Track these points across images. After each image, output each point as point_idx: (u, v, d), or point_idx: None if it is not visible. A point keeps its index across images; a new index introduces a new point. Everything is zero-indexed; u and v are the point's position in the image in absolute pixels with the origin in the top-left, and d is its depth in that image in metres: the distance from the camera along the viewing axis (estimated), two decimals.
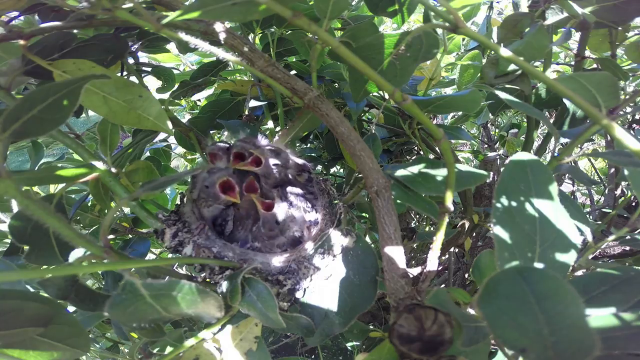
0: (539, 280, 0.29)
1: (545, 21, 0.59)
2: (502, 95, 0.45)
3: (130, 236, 0.73)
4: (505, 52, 0.33)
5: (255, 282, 0.45)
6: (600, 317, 0.30)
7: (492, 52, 0.84)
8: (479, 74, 0.91)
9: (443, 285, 1.06)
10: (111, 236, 0.78)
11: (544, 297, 0.27)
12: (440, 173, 0.48)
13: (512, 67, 0.50)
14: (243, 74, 1.03)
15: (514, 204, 0.32)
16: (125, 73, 0.71)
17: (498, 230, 0.32)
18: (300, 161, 0.57)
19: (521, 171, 0.34)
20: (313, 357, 1.10)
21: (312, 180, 0.58)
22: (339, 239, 0.53)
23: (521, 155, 0.35)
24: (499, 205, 0.33)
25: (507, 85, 0.53)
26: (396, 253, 0.45)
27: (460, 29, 0.37)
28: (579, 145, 0.49)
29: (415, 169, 0.49)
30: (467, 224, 0.85)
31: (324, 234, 0.53)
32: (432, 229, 1.22)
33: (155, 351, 0.63)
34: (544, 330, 0.26)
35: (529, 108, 0.49)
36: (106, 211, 0.70)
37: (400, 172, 0.50)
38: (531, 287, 0.28)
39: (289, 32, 0.73)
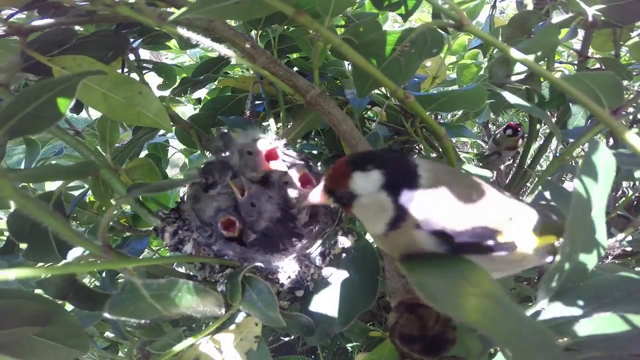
0: None
1: (551, 20, 0.58)
2: (508, 96, 0.45)
3: (128, 234, 0.73)
4: (514, 52, 0.33)
5: (256, 280, 0.45)
6: (603, 317, 0.29)
7: (496, 51, 0.83)
8: (480, 73, 0.90)
9: None
10: (109, 234, 0.77)
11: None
12: None
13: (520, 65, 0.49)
14: (245, 69, 1.03)
15: None
16: (126, 70, 0.71)
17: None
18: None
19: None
20: (313, 356, 1.10)
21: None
22: (340, 238, 0.52)
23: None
24: None
25: (513, 85, 0.53)
26: None
27: (465, 27, 0.37)
28: (581, 145, 0.48)
29: None
30: None
31: (324, 233, 0.53)
32: None
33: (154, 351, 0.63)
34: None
35: (533, 108, 0.48)
36: (104, 208, 0.70)
37: None
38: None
39: (292, 29, 0.73)
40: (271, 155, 0.52)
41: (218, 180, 0.53)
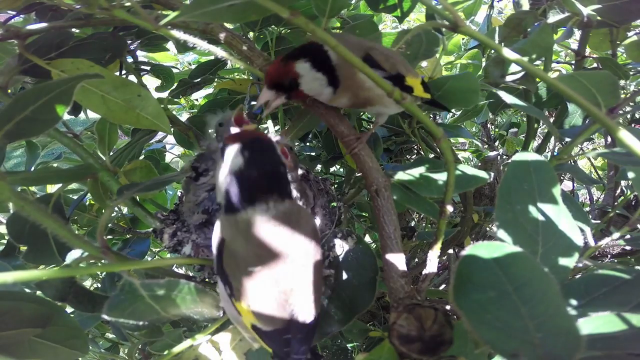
0: (512, 263, 0.26)
1: (547, 20, 0.58)
2: (504, 95, 0.45)
3: (128, 236, 0.73)
4: (507, 52, 0.33)
5: None
6: (602, 317, 0.29)
7: (493, 51, 0.84)
8: (479, 73, 0.90)
9: (443, 286, 1.06)
10: (109, 237, 0.77)
11: (521, 284, 0.25)
12: (442, 177, 0.47)
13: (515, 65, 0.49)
14: (241, 72, 1.03)
15: (517, 204, 0.32)
16: (124, 72, 0.71)
17: (500, 231, 0.31)
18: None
19: (524, 171, 0.33)
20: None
21: (309, 179, 0.58)
22: (338, 240, 0.52)
23: (524, 155, 0.34)
24: (501, 205, 0.32)
25: (510, 85, 0.53)
26: (396, 252, 0.45)
27: (460, 28, 0.37)
28: (579, 145, 0.49)
29: (416, 172, 0.49)
30: (467, 224, 0.85)
31: (323, 235, 0.53)
32: (431, 227, 1.22)
33: (154, 352, 0.63)
34: (529, 327, 0.24)
35: (530, 108, 0.49)
36: (103, 211, 0.70)
37: (401, 176, 0.49)
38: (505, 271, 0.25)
39: (289, 31, 0.73)
40: (240, 119, 0.50)
41: (210, 167, 0.52)
